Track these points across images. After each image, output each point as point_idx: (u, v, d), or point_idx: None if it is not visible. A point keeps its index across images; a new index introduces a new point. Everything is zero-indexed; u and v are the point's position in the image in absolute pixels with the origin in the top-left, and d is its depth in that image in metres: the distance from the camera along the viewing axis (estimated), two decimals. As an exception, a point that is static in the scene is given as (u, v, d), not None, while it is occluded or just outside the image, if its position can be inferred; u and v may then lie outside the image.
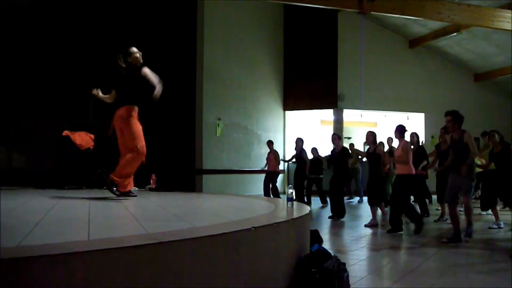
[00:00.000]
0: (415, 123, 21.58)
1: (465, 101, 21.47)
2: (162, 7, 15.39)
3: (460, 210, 10.00)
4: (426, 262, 6.65)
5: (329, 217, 11.87)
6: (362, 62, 21.22)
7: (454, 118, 8.17)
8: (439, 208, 11.69)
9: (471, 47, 21.37)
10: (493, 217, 10.67)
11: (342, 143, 12.88)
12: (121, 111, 7.01)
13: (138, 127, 7.05)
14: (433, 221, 11.09)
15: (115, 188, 6.90)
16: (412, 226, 9.72)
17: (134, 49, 7.17)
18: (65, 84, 14.19)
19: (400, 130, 9.58)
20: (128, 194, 7.03)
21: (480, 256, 7.14)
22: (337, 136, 12.25)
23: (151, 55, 7.13)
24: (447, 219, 11.12)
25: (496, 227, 10.13)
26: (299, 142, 14.41)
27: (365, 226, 10.45)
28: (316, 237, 6.39)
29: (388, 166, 11.04)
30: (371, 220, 10.58)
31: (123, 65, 7.08)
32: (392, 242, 8.52)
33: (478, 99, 22.44)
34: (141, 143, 7.00)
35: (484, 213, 12.17)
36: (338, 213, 11.65)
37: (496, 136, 10.19)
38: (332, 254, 5.41)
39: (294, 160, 15.09)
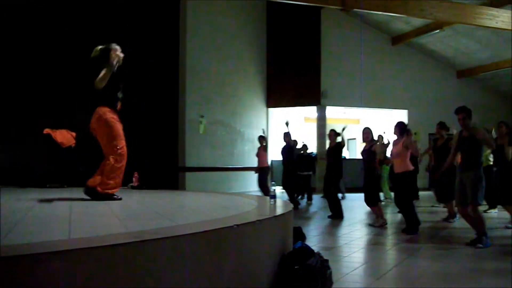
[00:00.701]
0: (398, 119, 21.63)
1: (448, 97, 21.62)
2: (145, 5, 15.31)
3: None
4: (410, 258, 6.66)
5: (329, 217, 11.49)
6: (345, 59, 21.30)
7: (468, 114, 7.73)
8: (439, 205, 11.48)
9: (453, 44, 21.50)
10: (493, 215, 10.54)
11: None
12: (98, 111, 6.75)
13: (116, 128, 6.75)
14: (442, 220, 10.87)
15: (114, 196, 6.73)
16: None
17: (117, 46, 7.02)
18: (46, 83, 14.05)
19: (401, 127, 9.46)
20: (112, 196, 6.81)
21: (467, 255, 7.10)
22: (333, 132, 12.02)
23: (134, 53, 7.06)
24: (457, 219, 10.64)
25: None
26: (286, 137, 14.16)
27: (374, 226, 9.90)
28: (299, 234, 6.40)
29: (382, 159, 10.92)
30: (378, 219, 10.12)
31: (99, 56, 6.86)
32: (376, 239, 8.54)
33: (461, 95, 22.55)
34: (121, 143, 6.74)
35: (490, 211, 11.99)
36: (337, 214, 11.33)
37: (504, 127, 9.71)
38: (316, 251, 5.40)
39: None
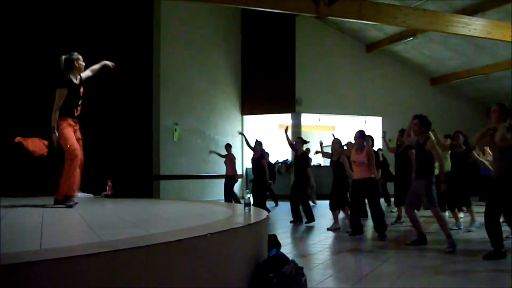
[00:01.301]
0: (373, 126, 21.79)
1: (421, 104, 21.74)
2: (119, 13, 15.23)
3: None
4: (384, 265, 6.68)
5: (291, 222, 11.87)
6: (319, 67, 21.39)
7: (421, 121, 8.11)
8: (394, 210, 11.80)
9: (427, 52, 21.70)
10: (451, 219, 10.83)
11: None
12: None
13: (65, 135, 6.98)
14: (390, 224, 11.15)
15: (71, 202, 6.78)
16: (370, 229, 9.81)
17: (79, 56, 7.24)
18: (15, 91, 13.90)
19: (361, 135, 9.60)
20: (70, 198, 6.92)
21: (439, 258, 7.17)
22: (300, 140, 12.21)
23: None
24: (403, 222, 11.29)
25: (456, 228, 10.20)
26: (258, 145, 14.17)
27: (328, 229, 10.45)
28: (274, 241, 6.37)
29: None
30: (334, 223, 10.62)
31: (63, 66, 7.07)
32: (350, 245, 8.55)
33: (435, 102, 22.78)
34: (73, 146, 6.96)
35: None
36: (309, 217, 11.55)
37: (461, 137, 10.29)
38: (291, 259, 5.39)
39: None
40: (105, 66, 7.66)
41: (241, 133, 14.76)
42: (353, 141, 12.76)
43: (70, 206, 6.75)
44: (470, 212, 10.30)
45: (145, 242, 3.41)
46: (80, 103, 7.20)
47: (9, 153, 11.57)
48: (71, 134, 7.03)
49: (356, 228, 9.47)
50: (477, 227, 9.80)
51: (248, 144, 14.42)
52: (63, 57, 7.15)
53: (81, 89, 7.25)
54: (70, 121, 7.08)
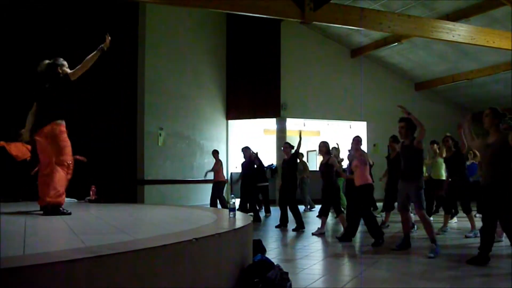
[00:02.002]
0: (357, 131, 21.84)
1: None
2: (102, 17, 15.16)
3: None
4: (370, 270, 6.67)
5: (276, 226, 11.85)
6: (305, 72, 21.43)
7: (407, 124, 8.12)
8: (379, 216, 11.83)
9: (411, 57, 21.81)
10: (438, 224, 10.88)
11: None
12: (48, 129, 6.74)
13: (67, 143, 6.85)
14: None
15: (62, 209, 6.65)
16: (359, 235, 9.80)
17: (64, 62, 7.07)
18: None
19: (357, 141, 9.66)
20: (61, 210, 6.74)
21: (426, 263, 7.17)
22: (288, 145, 12.17)
23: (92, 66, 6.96)
24: (388, 226, 11.32)
25: (442, 232, 10.25)
26: (247, 150, 14.20)
27: (313, 234, 10.45)
28: (259, 247, 6.37)
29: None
30: (319, 228, 10.60)
31: (48, 73, 6.89)
32: (337, 250, 8.56)
33: (419, 107, 22.76)
34: (70, 158, 6.85)
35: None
36: (299, 224, 11.42)
37: (450, 141, 10.33)
38: (276, 264, 5.38)
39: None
40: (102, 50, 7.21)
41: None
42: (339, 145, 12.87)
43: (69, 213, 6.64)
44: (470, 219, 10.19)
45: (130, 247, 3.39)
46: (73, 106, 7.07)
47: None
48: (69, 143, 6.91)
49: (348, 235, 9.42)
50: (476, 234, 9.73)
51: (247, 151, 14.43)
52: (46, 61, 6.98)
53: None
54: (64, 127, 6.90)
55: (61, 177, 6.70)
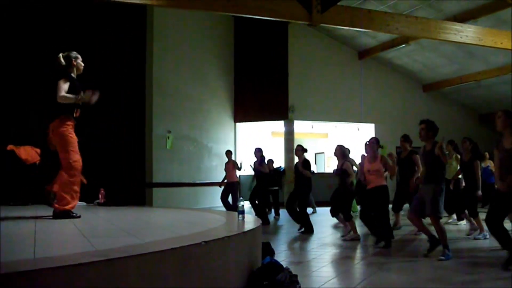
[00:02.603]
0: (366, 133, 21.83)
1: (414, 111, 21.84)
2: (111, 20, 15.22)
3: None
4: (379, 272, 6.66)
5: (302, 231, 11.46)
6: (312, 74, 21.42)
7: (428, 126, 7.94)
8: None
9: (419, 58, 21.76)
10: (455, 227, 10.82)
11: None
12: (54, 124, 6.68)
13: (71, 140, 6.67)
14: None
15: (72, 213, 6.61)
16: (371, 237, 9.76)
17: (79, 55, 7.03)
18: (8, 97, 13.87)
19: (376, 142, 9.55)
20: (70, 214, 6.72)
21: (439, 267, 7.14)
22: (300, 148, 12.06)
23: (100, 68, 6.99)
24: (400, 228, 11.25)
25: (483, 238, 9.82)
26: (258, 152, 14.17)
27: (344, 240, 10.04)
28: (268, 249, 6.37)
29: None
30: (352, 233, 10.22)
31: (62, 64, 6.84)
32: (347, 253, 8.53)
33: (427, 109, 22.79)
34: (74, 157, 6.64)
35: (450, 220, 12.48)
36: (308, 229, 11.33)
37: (468, 143, 10.10)
38: (285, 266, 5.38)
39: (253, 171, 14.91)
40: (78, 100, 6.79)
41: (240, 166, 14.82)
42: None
43: (79, 216, 6.59)
44: (477, 222, 10.06)
45: (139, 251, 3.40)
46: (80, 104, 6.81)
47: (1, 161, 11.51)
48: (75, 140, 6.72)
49: (382, 237, 9.12)
50: (485, 236, 9.65)
51: (259, 152, 14.37)
52: (61, 54, 6.90)
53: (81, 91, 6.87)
54: (73, 123, 6.77)
55: (65, 182, 6.60)
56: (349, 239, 9.98)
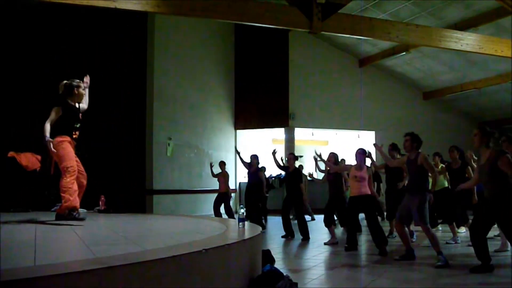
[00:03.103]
0: (366, 141, 21.83)
1: (414, 119, 21.89)
2: (112, 27, 15.25)
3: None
4: (379, 280, 6.66)
5: (283, 236, 11.83)
6: (313, 81, 21.45)
7: (412, 138, 8.15)
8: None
9: (420, 66, 21.79)
10: (447, 233, 10.85)
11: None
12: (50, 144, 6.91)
13: (64, 151, 6.93)
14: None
15: (75, 214, 6.68)
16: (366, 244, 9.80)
17: (81, 83, 7.30)
18: (8, 105, 13.89)
19: (362, 152, 9.72)
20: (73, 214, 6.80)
21: (434, 273, 7.16)
22: (292, 156, 12.18)
23: (101, 75, 7.04)
24: (395, 236, 11.27)
25: (453, 242, 10.28)
26: (254, 159, 14.21)
27: (325, 244, 10.44)
28: (268, 257, 6.37)
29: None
30: (331, 238, 10.62)
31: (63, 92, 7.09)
32: (344, 261, 8.52)
33: (427, 117, 22.83)
34: (69, 163, 6.87)
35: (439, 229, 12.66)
36: (304, 235, 11.48)
37: (455, 151, 10.37)
38: (285, 274, 5.38)
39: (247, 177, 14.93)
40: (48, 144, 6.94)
41: (237, 150, 14.81)
42: (346, 158, 12.88)
43: (82, 219, 6.69)
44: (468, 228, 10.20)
45: (140, 258, 3.40)
46: (78, 126, 7.19)
47: (1, 168, 11.52)
48: (69, 150, 6.98)
49: (351, 244, 9.46)
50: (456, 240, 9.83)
51: (242, 161, 14.42)
52: (64, 82, 7.20)
53: (80, 115, 7.29)
54: (70, 140, 7.06)
55: (62, 184, 6.77)
56: (329, 244, 10.39)
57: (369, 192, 9.46)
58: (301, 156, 12.24)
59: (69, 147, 7.00)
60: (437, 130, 22.00)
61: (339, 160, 11.44)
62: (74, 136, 7.15)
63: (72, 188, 6.82)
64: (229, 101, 21.08)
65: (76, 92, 7.23)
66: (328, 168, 10.99)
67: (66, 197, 6.73)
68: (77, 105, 7.31)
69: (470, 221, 10.37)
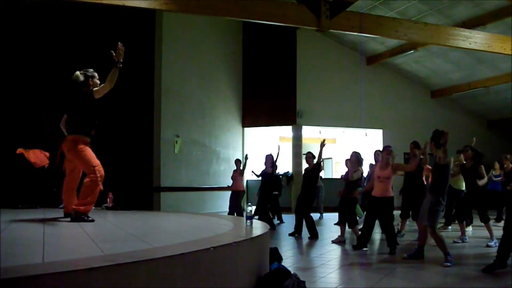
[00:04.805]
0: (373, 139, 21.79)
1: (422, 117, 21.82)
2: (120, 25, 15.24)
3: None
4: (387, 279, 6.65)
5: (290, 234, 11.81)
6: (320, 79, 21.41)
7: (432, 138, 8.17)
8: (399, 224, 11.79)
9: (427, 64, 21.73)
10: (455, 233, 10.82)
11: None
12: (68, 140, 6.85)
13: (88, 153, 6.83)
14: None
15: (84, 217, 6.64)
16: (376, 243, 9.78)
17: (95, 73, 7.09)
18: (17, 102, 13.92)
19: (389, 152, 9.65)
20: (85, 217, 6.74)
21: (443, 272, 7.14)
22: (311, 155, 12.11)
23: (108, 72, 6.96)
24: (404, 235, 11.25)
25: (460, 241, 10.28)
26: (269, 158, 14.25)
27: (332, 242, 10.45)
28: (275, 255, 6.36)
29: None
30: (339, 236, 10.61)
31: (80, 81, 6.91)
32: (352, 259, 8.51)
33: (435, 115, 22.74)
34: (95, 163, 6.78)
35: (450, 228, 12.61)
36: (312, 233, 11.42)
37: (470, 151, 10.32)
38: (292, 272, 5.37)
39: (259, 176, 14.95)
40: (117, 65, 6.95)
41: (246, 158, 14.81)
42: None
43: (92, 221, 6.64)
44: (488, 228, 10.14)
45: (148, 256, 3.40)
46: (96, 123, 7.03)
47: (10, 164, 11.56)
48: (91, 153, 6.88)
49: (363, 242, 9.39)
50: (497, 243, 9.69)
51: (245, 167, 14.55)
52: (78, 72, 6.99)
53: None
54: (87, 141, 6.93)
55: (87, 185, 6.70)
56: (336, 242, 10.39)
57: (392, 194, 9.35)
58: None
59: (91, 152, 6.90)
60: (445, 129, 21.85)
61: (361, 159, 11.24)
62: (91, 134, 7.00)
63: (95, 192, 6.77)
64: (236, 99, 21.06)
65: (91, 82, 7.01)
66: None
67: (87, 201, 6.69)
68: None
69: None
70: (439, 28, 15.18)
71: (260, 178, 14.75)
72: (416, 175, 10.56)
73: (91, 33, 15.14)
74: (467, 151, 10.41)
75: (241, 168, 14.63)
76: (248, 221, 5.99)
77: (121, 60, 6.85)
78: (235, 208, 14.44)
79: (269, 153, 14.42)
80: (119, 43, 6.88)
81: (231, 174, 15.03)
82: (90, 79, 6.98)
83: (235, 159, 15.31)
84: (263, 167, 14.52)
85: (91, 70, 7.09)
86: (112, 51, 6.80)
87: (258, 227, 5.90)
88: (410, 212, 10.98)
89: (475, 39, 15.14)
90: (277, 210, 15.53)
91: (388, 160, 9.51)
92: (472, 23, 16.23)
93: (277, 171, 15.50)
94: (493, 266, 6.88)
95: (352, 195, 10.62)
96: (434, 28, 15.01)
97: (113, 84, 6.87)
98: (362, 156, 11.05)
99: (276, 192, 15.01)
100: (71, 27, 15.02)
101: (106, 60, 7.00)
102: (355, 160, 10.74)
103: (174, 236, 5.37)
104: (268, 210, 14.22)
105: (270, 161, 14.22)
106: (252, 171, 15.24)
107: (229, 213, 14.35)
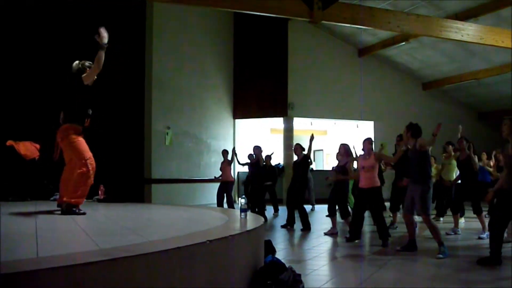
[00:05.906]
0: (365, 131, 21.79)
1: (413, 109, 21.81)
2: (109, 15, 15.13)
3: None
4: (381, 271, 6.64)
5: (282, 226, 11.80)
6: (312, 71, 21.37)
7: (408, 129, 8.26)
8: (391, 215, 11.81)
9: (419, 56, 21.72)
10: (448, 224, 10.86)
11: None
12: (61, 129, 6.85)
13: (80, 144, 6.80)
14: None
15: (75, 210, 6.59)
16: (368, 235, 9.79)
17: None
18: (7, 93, 13.80)
19: (370, 142, 9.62)
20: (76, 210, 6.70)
21: (437, 265, 7.14)
22: (299, 146, 12.09)
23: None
24: (397, 227, 11.27)
25: (453, 233, 10.35)
26: (257, 150, 14.24)
27: (325, 234, 10.47)
28: (269, 247, 6.33)
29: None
30: (331, 228, 10.64)
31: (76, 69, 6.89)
32: (346, 251, 8.51)
33: (427, 107, 22.77)
34: (87, 155, 6.76)
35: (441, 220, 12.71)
36: (305, 225, 11.43)
37: (464, 142, 10.30)
38: (287, 265, 5.34)
39: (246, 166, 15.00)
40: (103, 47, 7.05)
41: (234, 152, 14.82)
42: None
43: (83, 214, 6.60)
44: (480, 220, 10.15)
45: (145, 250, 3.36)
46: (90, 113, 6.99)
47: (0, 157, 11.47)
48: (84, 144, 6.86)
49: (354, 234, 9.39)
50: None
51: (238, 162, 14.63)
52: (77, 62, 7.04)
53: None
54: (80, 130, 6.89)
55: (79, 176, 6.65)
56: (328, 234, 10.44)
57: (379, 184, 9.32)
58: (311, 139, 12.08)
59: (82, 139, 6.87)
60: (436, 121, 21.72)
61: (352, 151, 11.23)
62: (85, 125, 6.96)
63: (86, 184, 6.74)
64: (228, 90, 21.00)
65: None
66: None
67: (78, 194, 6.65)
68: None
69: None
70: (431, 19, 15.16)
71: (244, 166, 14.87)
72: (404, 166, 10.57)
73: (80, 24, 15.01)
74: (461, 143, 10.38)
75: (229, 159, 14.64)
76: (243, 213, 5.96)
77: (105, 42, 6.95)
78: (227, 199, 14.45)
79: (256, 145, 14.39)
80: (101, 27, 6.87)
81: (219, 168, 15.04)
82: (87, 69, 6.97)
83: (222, 149, 15.34)
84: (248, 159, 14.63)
85: (89, 62, 7.12)
86: (96, 36, 6.89)
87: (253, 220, 5.87)
88: (400, 206, 10.99)
89: (468, 31, 15.14)
90: (273, 201, 15.54)
91: (370, 149, 9.49)
92: (464, 15, 16.22)
93: (271, 162, 15.50)
94: (489, 260, 6.87)
95: (344, 179, 10.69)
96: (427, 19, 15.00)
97: (101, 67, 6.90)
98: (352, 148, 11.09)
99: (269, 183, 14.97)
100: (60, 16, 14.87)
101: (96, 49, 6.97)
102: (343, 152, 10.79)
103: (169, 229, 5.34)
104: (262, 202, 14.17)
105: (258, 152, 14.21)
106: (237, 159, 15.21)
107: (218, 205, 14.34)
